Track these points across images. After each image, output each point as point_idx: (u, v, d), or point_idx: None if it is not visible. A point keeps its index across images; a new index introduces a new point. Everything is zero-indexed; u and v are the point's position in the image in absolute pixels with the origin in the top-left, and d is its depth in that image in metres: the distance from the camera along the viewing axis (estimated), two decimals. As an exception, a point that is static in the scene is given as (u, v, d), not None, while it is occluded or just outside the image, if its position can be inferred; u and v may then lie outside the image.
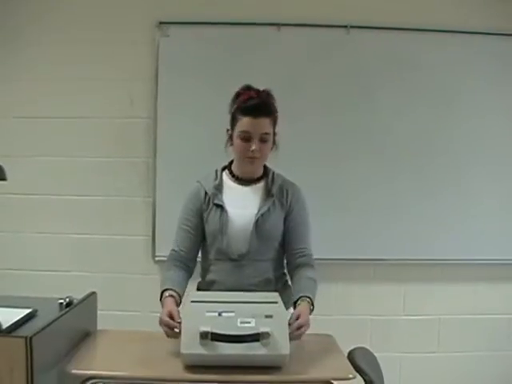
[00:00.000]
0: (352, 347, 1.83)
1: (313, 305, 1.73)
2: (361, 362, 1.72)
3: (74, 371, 1.48)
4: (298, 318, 1.62)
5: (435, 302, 3.02)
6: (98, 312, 1.93)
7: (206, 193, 1.87)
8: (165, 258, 1.91)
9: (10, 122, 2.92)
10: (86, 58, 2.89)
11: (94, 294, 1.91)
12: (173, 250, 1.90)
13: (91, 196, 2.94)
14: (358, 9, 2.88)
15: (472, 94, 2.93)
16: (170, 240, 1.92)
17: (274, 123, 1.83)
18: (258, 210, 1.83)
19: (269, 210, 1.84)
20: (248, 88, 1.82)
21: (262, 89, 1.82)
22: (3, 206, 2.93)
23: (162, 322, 1.61)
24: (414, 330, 3.01)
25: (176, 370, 1.48)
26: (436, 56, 2.91)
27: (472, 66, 2.93)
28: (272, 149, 1.86)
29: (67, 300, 1.72)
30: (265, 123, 1.78)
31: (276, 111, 1.84)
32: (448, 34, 2.88)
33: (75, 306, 1.73)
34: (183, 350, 1.47)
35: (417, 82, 2.91)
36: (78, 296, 1.80)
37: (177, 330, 1.57)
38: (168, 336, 1.60)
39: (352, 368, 1.59)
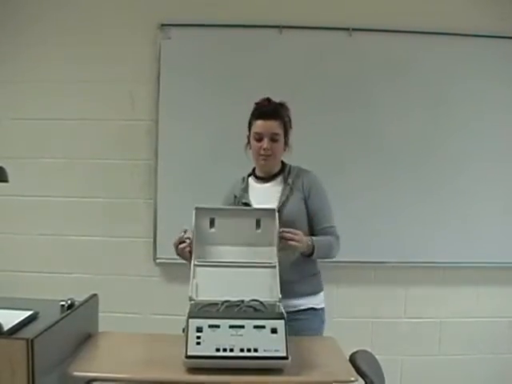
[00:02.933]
0: (354, 350, 1.83)
1: (313, 249, 1.93)
2: (362, 365, 1.72)
3: (75, 373, 1.48)
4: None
5: (436, 305, 3.02)
6: (100, 314, 1.93)
7: (235, 196, 2.11)
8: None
9: (9, 123, 2.93)
10: (87, 60, 2.89)
11: (95, 296, 1.90)
12: None
13: (92, 198, 2.94)
14: (360, 11, 2.89)
15: (474, 97, 2.93)
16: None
17: (285, 126, 2.05)
18: (279, 200, 2.01)
19: (287, 197, 2.02)
20: (265, 99, 2.05)
21: (278, 101, 2.03)
22: (4, 208, 2.93)
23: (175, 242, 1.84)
24: (415, 333, 3.01)
25: (177, 372, 1.47)
26: (438, 58, 2.91)
27: (474, 69, 2.93)
28: (285, 150, 2.09)
29: (69, 302, 1.71)
30: (274, 125, 2.01)
31: (286, 116, 2.05)
32: (449, 36, 2.89)
33: (77, 308, 1.72)
34: (185, 352, 1.47)
35: (418, 84, 2.91)
36: (79, 298, 1.80)
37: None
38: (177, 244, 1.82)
39: (354, 371, 1.58)
